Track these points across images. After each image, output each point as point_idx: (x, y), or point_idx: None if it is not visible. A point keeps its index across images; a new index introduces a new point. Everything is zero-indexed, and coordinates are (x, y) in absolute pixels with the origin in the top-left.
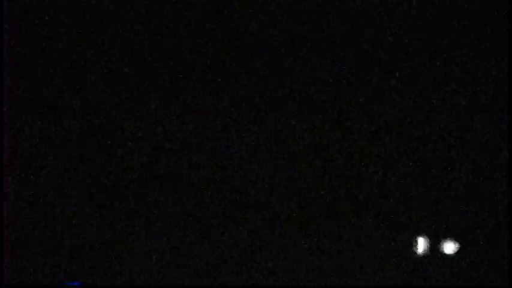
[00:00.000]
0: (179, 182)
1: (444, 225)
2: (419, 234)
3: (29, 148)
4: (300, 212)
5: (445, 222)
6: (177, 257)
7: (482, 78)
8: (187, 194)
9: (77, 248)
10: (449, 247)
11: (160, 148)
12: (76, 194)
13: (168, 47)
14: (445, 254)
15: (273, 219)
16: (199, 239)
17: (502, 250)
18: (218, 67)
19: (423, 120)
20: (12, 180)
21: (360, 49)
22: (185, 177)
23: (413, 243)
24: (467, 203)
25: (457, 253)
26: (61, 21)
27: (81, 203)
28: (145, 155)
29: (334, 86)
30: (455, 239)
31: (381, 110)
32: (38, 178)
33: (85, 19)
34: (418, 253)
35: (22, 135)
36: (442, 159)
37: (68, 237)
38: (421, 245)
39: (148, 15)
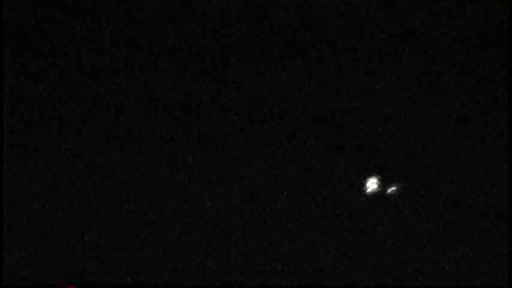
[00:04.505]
0: (179, 181)
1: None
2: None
3: (29, 148)
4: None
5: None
6: (177, 256)
7: (482, 78)
8: (187, 193)
9: (77, 248)
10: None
11: (160, 148)
12: (76, 193)
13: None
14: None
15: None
16: (200, 239)
17: (502, 250)
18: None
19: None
20: (12, 179)
21: (360, 49)
22: (185, 177)
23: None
24: (466, 202)
25: (457, 253)
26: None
27: (81, 203)
28: (146, 155)
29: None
30: (456, 239)
31: (379, 112)
32: (38, 178)
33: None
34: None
35: (22, 134)
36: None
37: (67, 237)
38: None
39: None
